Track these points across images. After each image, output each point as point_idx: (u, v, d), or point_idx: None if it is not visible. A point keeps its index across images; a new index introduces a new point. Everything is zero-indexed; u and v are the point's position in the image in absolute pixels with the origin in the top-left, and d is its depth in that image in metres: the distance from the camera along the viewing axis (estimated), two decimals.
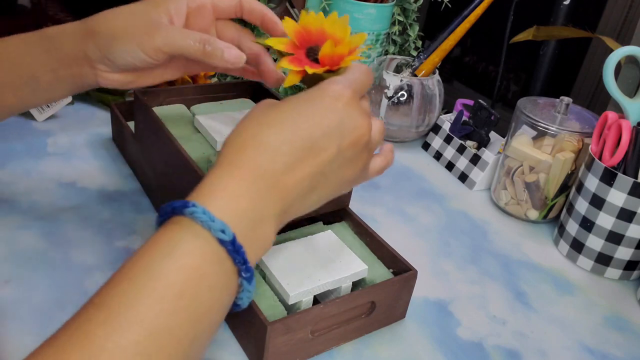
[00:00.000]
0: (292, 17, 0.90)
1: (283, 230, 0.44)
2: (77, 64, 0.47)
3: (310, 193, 0.37)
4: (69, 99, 0.78)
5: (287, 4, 0.89)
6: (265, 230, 0.34)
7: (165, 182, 0.57)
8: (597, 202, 0.60)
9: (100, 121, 0.77)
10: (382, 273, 0.51)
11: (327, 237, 0.51)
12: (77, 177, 0.65)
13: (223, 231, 0.31)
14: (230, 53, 0.45)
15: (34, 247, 0.54)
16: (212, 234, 0.31)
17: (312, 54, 0.42)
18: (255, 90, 0.69)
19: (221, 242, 0.31)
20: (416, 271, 0.50)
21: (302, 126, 0.36)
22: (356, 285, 0.49)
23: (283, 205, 0.35)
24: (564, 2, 0.78)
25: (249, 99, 0.68)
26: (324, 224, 0.56)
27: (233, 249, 0.31)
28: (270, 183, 0.34)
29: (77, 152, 0.70)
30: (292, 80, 0.42)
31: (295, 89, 0.81)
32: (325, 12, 0.86)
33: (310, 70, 0.41)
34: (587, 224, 0.62)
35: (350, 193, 0.57)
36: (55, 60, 0.47)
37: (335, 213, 0.57)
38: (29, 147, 0.70)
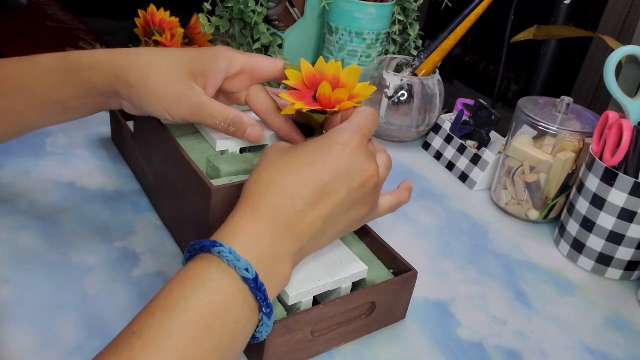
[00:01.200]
0: (293, 17, 0.90)
1: None
2: (105, 95, 0.49)
3: (324, 232, 0.40)
4: None
5: (287, 4, 0.89)
6: (283, 268, 0.38)
7: (165, 182, 0.57)
8: (598, 202, 0.60)
9: (99, 121, 0.77)
10: (382, 274, 0.51)
11: None
12: (77, 177, 0.65)
13: (247, 270, 0.35)
14: (253, 131, 0.49)
15: (33, 248, 0.54)
16: (237, 272, 0.35)
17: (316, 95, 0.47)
18: None
19: (245, 280, 0.35)
20: (416, 272, 0.50)
21: (315, 172, 0.39)
22: (356, 285, 0.49)
23: (300, 244, 0.39)
24: (565, 2, 0.78)
25: None
26: None
27: (256, 286, 0.35)
28: (288, 224, 0.38)
29: (76, 152, 0.70)
30: (288, 110, 0.47)
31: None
32: (326, 12, 0.86)
33: (304, 109, 0.46)
34: (587, 224, 0.62)
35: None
36: (84, 91, 0.49)
37: None
38: (28, 147, 0.70)
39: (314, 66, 0.49)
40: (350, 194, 0.40)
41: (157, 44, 0.73)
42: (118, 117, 0.69)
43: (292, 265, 0.39)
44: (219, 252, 0.35)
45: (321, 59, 0.49)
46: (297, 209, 0.38)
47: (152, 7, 0.75)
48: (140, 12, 0.75)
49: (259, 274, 0.35)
